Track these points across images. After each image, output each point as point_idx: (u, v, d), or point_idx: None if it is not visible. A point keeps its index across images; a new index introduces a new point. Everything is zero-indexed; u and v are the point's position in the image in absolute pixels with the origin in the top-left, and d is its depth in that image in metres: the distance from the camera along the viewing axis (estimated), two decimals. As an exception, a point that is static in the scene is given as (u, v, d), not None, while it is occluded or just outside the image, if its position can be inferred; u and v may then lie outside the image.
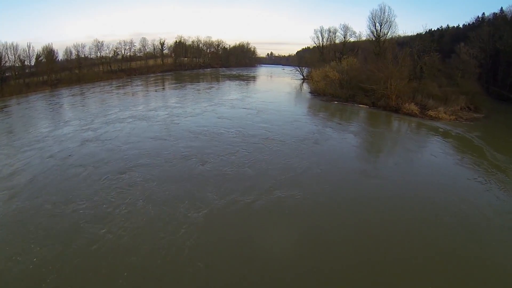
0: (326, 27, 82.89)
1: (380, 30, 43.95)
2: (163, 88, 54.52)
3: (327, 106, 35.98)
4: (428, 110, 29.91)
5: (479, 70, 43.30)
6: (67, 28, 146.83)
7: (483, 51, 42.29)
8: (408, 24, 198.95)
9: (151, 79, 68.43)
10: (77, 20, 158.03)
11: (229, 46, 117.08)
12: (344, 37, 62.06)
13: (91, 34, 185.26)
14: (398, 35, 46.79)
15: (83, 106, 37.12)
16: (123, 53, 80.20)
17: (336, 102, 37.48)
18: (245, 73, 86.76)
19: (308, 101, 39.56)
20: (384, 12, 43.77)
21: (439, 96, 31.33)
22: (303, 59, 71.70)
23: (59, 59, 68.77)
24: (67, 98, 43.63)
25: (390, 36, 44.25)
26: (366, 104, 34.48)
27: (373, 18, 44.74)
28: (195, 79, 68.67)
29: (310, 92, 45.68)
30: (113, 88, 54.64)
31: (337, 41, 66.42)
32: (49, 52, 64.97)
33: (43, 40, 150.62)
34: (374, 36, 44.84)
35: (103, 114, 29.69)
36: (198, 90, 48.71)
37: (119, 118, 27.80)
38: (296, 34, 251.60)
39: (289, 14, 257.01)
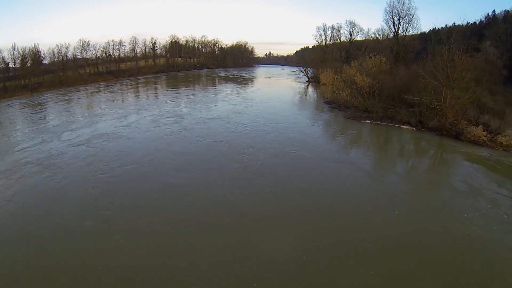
0: (329, 24, 77.29)
1: (399, 24, 38.92)
2: (144, 94, 49.01)
3: (360, 130, 24.47)
4: (496, 135, 19.97)
5: (505, 72, 37.54)
6: (59, 29, 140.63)
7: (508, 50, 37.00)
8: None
9: (139, 81, 63.22)
10: (65, 19, 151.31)
11: (226, 45, 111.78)
12: (351, 35, 57.15)
13: (85, 35, 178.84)
14: (422, 32, 41.45)
15: (40, 119, 29.05)
16: (111, 53, 74.44)
17: (368, 121, 26.01)
18: (242, 74, 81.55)
19: (329, 119, 28.77)
20: (403, 5, 38.82)
21: (494, 110, 22.46)
22: (305, 59, 66.11)
23: (46, 61, 63.69)
24: (27, 109, 36.98)
25: (410, 32, 39.27)
26: (410, 125, 24.30)
27: (391, 11, 39.79)
28: (185, 82, 62.90)
29: (325, 102, 35.25)
30: (93, 92, 49.95)
31: (342, 38, 61.49)
32: (34, 54, 59.38)
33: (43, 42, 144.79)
34: (393, 31, 39.81)
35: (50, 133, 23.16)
36: (186, 96, 42.73)
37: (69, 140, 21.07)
38: (295, 34, 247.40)
39: (288, 12, 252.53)
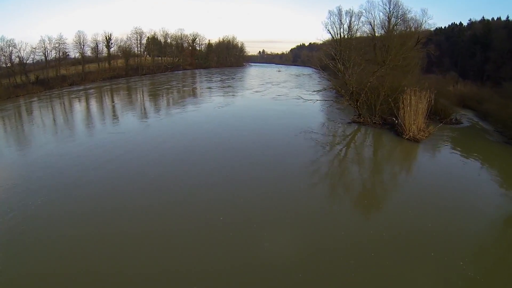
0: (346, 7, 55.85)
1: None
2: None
3: None
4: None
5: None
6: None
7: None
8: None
9: (64, 98, 44.61)
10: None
11: (209, 41, 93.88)
12: (389, 19, 35.25)
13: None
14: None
15: None
16: (46, 55, 57.09)
17: None
18: (221, 78, 63.03)
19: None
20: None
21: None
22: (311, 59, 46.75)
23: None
24: None
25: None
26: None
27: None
28: (112, 104, 44.60)
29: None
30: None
31: (357, 28, 42.27)
32: None
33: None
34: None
35: None
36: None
37: None
38: (290, 31, 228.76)
39: (282, 9, 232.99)
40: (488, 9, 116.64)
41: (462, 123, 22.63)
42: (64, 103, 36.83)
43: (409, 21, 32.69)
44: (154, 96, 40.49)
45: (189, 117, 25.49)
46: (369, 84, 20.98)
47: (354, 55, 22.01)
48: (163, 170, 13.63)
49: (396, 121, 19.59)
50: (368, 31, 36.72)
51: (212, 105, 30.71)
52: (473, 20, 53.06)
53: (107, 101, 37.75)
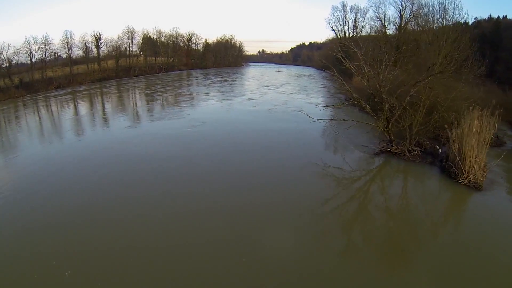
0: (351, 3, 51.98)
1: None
2: None
3: None
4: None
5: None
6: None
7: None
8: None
9: (39, 104, 41.48)
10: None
11: (206, 40, 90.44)
12: (402, 16, 32.53)
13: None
14: None
15: None
16: (32, 56, 53.72)
17: None
18: (214, 80, 59.57)
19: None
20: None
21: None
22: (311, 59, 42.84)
23: None
24: None
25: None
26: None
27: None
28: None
29: None
30: None
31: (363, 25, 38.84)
32: None
33: None
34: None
35: None
36: None
37: None
38: (290, 31, 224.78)
39: (281, 7, 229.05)
40: (493, 7, 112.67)
41: (505, 143, 16.53)
42: (38, 111, 33.47)
43: (422, 17, 29.20)
44: (119, 107, 32.09)
45: (132, 151, 16.06)
46: (408, 97, 14.38)
47: (387, 53, 15.58)
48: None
49: (440, 149, 14.38)
50: (378, 27, 33.25)
51: (184, 123, 21.81)
52: (479, 18, 49.41)
53: (81, 109, 34.27)
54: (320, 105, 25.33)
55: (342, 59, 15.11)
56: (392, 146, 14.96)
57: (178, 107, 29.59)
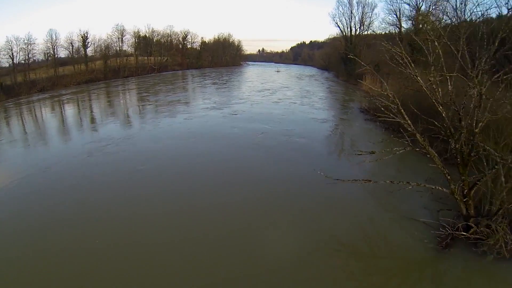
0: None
1: None
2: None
3: None
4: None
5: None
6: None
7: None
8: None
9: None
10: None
11: (202, 38, 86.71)
12: (418, 9, 28.02)
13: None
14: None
15: None
16: (14, 58, 50.05)
17: None
18: (205, 82, 55.46)
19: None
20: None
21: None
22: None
23: None
24: None
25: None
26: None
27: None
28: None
29: None
30: None
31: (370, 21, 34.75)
32: None
33: None
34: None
35: None
36: None
37: None
38: (290, 30, 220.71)
39: (281, 6, 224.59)
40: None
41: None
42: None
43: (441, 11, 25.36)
44: (84, 118, 26.71)
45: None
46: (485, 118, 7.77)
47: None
48: None
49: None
50: (390, 22, 29.37)
51: (133, 163, 13.79)
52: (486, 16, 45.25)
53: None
54: (333, 129, 17.65)
55: (396, 57, 8.67)
56: (470, 227, 7.76)
57: (147, 123, 22.18)
